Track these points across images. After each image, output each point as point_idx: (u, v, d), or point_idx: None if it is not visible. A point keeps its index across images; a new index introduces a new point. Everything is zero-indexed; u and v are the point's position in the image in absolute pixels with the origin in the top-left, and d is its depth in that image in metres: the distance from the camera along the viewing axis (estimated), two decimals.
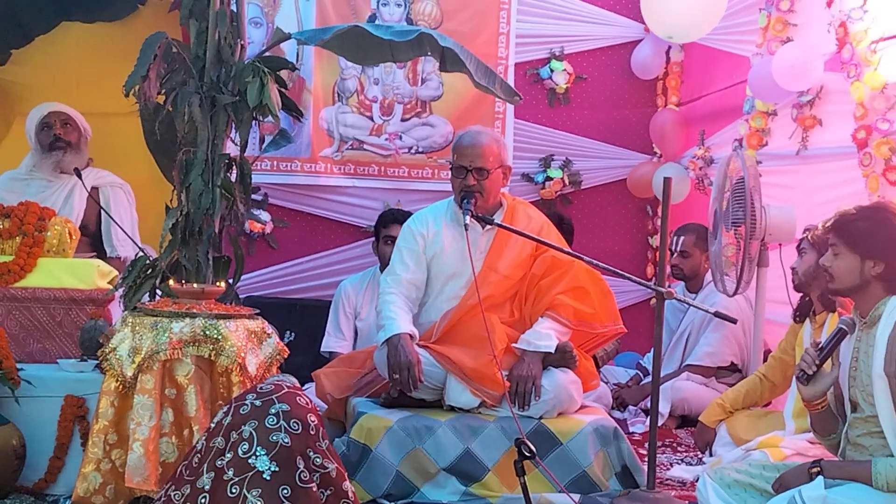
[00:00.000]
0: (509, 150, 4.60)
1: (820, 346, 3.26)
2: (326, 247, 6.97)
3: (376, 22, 6.76)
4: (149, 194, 5.73)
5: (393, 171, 6.94)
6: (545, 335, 4.33)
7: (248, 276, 6.65)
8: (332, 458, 3.09)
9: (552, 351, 4.33)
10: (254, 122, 4.20)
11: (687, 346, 6.02)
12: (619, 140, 7.30)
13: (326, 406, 4.65)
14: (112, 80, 4.46)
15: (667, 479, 4.53)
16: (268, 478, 2.93)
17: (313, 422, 3.07)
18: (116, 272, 4.65)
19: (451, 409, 4.30)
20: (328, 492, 3.03)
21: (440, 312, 4.46)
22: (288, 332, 6.19)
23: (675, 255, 6.03)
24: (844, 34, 4.74)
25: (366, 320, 5.73)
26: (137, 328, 3.75)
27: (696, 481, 3.59)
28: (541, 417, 4.25)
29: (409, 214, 4.95)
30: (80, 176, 5.34)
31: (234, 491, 2.90)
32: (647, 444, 4.11)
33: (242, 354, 3.72)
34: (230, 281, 4.24)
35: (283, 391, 3.10)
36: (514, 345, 4.34)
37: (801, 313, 4.49)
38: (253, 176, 4.35)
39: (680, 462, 4.89)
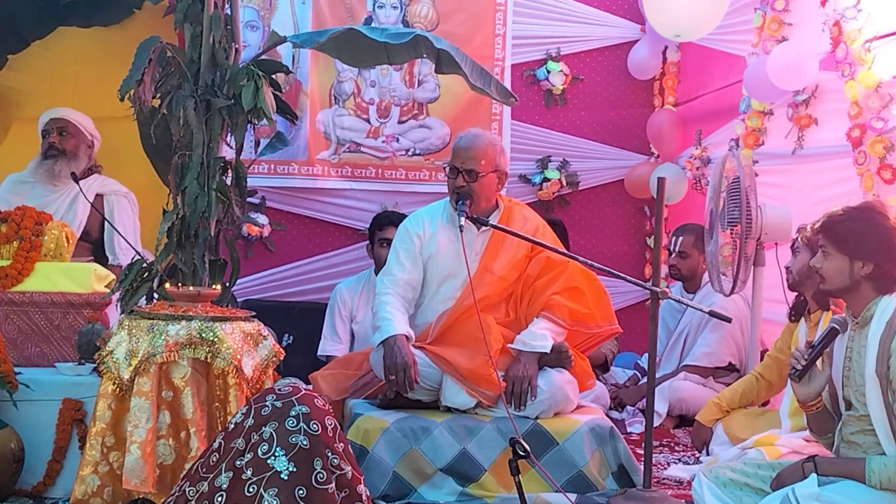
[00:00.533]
0: (506, 151, 4.58)
1: (809, 344, 3.27)
2: (324, 249, 6.98)
3: (372, 24, 6.77)
4: (146, 198, 5.74)
5: (390, 173, 6.95)
6: (541, 335, 4.34)
7: (247, 279, 6.68)
8: (349, 461, 3.10)
9: (548, 351, 4.34)
10: (249, 125, 4.21)
11: (685, 346, 6.03)
12: (616, 141, 7.30)
13: None
14: (108, 85, 4.48)
15: (664, 479, 4.55)
16: (285, 478, 2.94)
17: (331, 424, 3.09)
18: (113, 276, 4.66)
19: (448, 409, 4.32)
20: (342, 493, 3.04)
21: (436, 313, 4.47)
22: (286, 335, 6.20)
23: (674, 255, 6.03)
24: (839, 33, 4.75)
25: (362, 323, 5.74)
26: (134, 331, 3.77)
27: (693, 480, 3.60)
28: (537, 417, 4.26)
29: (403, 217, 4.95)
30: (76, 181, 5.36)
31: (251, 490, 2.92)
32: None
33: (238, 357, 3.73)
34: (226, 284, 4.25)
35: (302, 393, 3.12)
36: (509, 345, 4.36)
37: (797, 312, 4.50)
38: (250, 179, 4.37)
39: (677, 461, 4.90)
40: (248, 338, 3.83)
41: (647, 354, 4.43)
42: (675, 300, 4.48)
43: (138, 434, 3.63)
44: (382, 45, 4.41)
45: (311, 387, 4.75)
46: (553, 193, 7.09)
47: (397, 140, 6.94)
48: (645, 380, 5.83)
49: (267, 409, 3.07)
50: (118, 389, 3.71)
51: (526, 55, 7.11)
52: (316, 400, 3.13)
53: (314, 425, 3.04)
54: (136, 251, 4.44)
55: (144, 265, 4.17)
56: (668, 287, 4.45)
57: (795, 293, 4.51)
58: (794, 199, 5.35)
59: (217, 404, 3.78)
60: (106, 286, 4.56)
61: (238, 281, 4.45)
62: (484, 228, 4.45)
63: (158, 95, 4.13)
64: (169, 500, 3.08)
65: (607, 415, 4.88)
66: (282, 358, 4.00)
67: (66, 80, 6.22)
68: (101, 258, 5.62)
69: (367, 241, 5.98)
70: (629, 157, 7.29)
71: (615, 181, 7.30)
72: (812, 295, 4.33)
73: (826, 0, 4.89)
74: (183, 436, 3.71)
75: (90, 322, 4.33)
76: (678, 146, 7.07)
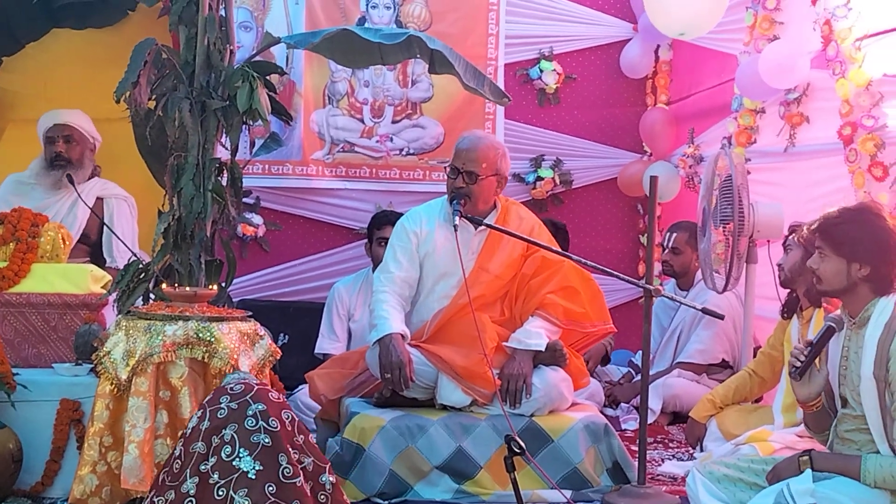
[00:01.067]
0: (507, 156, 4.59)
1: (809, 341, 3.28)
2: (319, 249, 7.00)
3: (366, 25, 6.78)
4: (141, 199, 5.75)
5: (384, 172, 6.97)
6: (535, 334, 4.36)
7: (242, 279, 6.69)
8: (309, 452, 3.13)
9: (543, 349, 4.36)
10: (244, 126, 4.23)
11: (678, 343, 6.05)
12: (609, 139, 7.32)
13: (320, 407, 4.69)
14: (103, 86, 4.48)
15: (658, 475, 4.57)
16: (253, 477, 2.96)
17: (288, 418, 3.12)
18: (109, 277, 4.67)
19: (444, 407, 4.33)
20: (308, 485, 3.07)
21: (431, 312, 4.49)
22: (282, 334, 6.21)
23: (667, 251, 6.06)
24: (829, 32, 4.77)
25: (359, 322, 5.75)
26: (131, 332, 3.78)
27: (687, 476, 3.62)
28: (532, 415, 4.28)
29: (401, 216, 4.97)
30: (72, 183, 5.37)
31: (220, 493, 2.94)
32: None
33: (235, 356, 3.75)
34: (222, 284, 4.27)
35: (255, 389, 3.14)
36: (504, 343, 4.38)
37: (789, 309, 4.53)
38: (245, 179, 4.38)
39: (671, 458, 4.93)
40: (245, 337, 3.85)
41: (640, 352, 4.46)
42: (668, 298, 4.51)
43: (136, 434, 3.64)
44: (376, 46, 4.42)
45: (305, 386, 4.82)
46: (547, 192, 7.11)
47: (391, 140, 6.96)
48: (639, 377, 5.85)
49: (223, 411, 3.09)
50: (116, 389, 3.72)
51: (519, 54, 7.13)
52: (270, 394, 3.15)
53: (273, 422, 3.06)
54: (134, 254, 4.46)
55: (141, 266, 4.18)
56: (661, 285, 4.48)
57: (788, 290, 4.54)
58: (786, 196, 5.38)
59: None
60: (102, 287, 4.58)
61: (233, 281, 4.47)
62: (481, 228, 4.47)
63: (154, 97, 4.14)
64: None
65: (602, 412, 4.89)
66: (278, 357, 4.01)
67: (60, 82, 6.21)
68: (98, 260, 5.63)
69: (364, 241, 5.99)
70: (622, 155, 7.31)
71: (608, 179, 7.32)
72: (804, 292, 4.35)
73: None
74: (180, 435, 3.72)
75: (87, 323, 4.34)
76: (671, 144, 7.10)
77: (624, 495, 4.04)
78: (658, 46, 7.21)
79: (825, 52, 4.82)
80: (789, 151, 5.39)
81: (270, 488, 2.95)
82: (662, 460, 4.85)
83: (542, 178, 7.07)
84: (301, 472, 3.04)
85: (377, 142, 6.95)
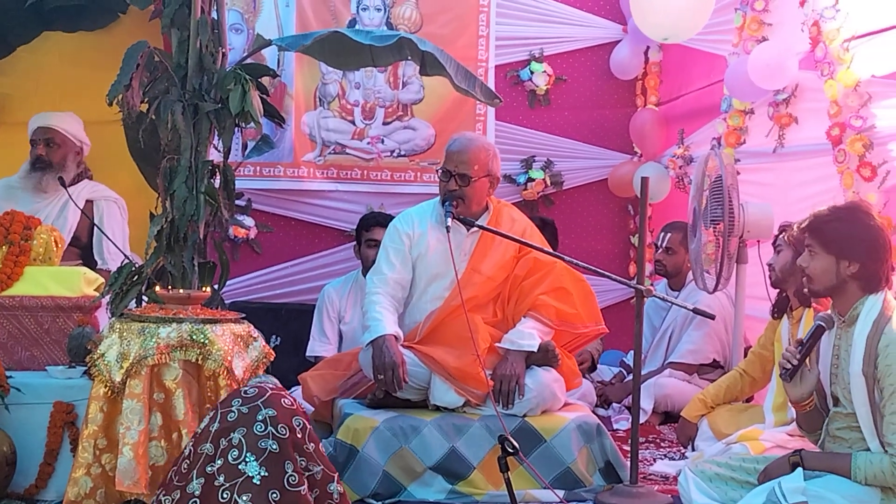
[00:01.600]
0: (498, 156, 4.61)
1: (800, 341, 3.31)
2: (310, 251, 7.00)
3: (356, 27, 6.78)
4: (132, 202, 5.74)
5: (375, 174, 6.97)
6: (528, 335, 4.38)
7: (233, 281, 6.68)
8: (318, 461, 3.12)
9: (535, 350, 4.38)
10: (236, 128, 4.23)
11: (670, 343, 6.07)
12: (599, 140, 7.34)
13: (313, 408, 4.70)
14: (94, 89, 4.49)
15: (650, 474, 4.59)
16: (257, 482, 2.97)
17: (299, 425, 3.11)
18: (102, 280, 4.67)
19: (437, 408, 4.35)
20: (314, 493, 3.07)
21: (424, 313, 4.51)
22: (273, 336, 6.20)
23: (660, 250, 6.07)
24: (818, 33, 4.80)
25: (350, 324, 5.76)
26: (125, 334, 3.78)
27: (679, 476, 3.64)
28: (525, 415, 4.30)
29: (391, 217, 4.98)
30: (64, 185, 5.37)
31: (224, 496, 2.94)
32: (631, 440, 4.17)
33: (229, 358, 3.75)
34: (215, 286, 4.28)
35: (268, 394, 3.13)
36: (497, 344, 4.39)
37: (779, 309, 4.55)
38: (236, 182, 4.39)
39: (663, 457, 4.94)
40: (239, 339, 3.86)
41: (632, 352, 4.49)
42: (659, 298, 4.54)
43: (130, 436, 3.64)
44: (367, 48, 4.44)
45: (298, 388, 4.83)
46: (537, 193, 7.12)
47: (382, 141, 6.96)
48: (630, 377, 5.88)
49: (233, 414, 3.09)
50: (110, 392, 3.72)
51: (509, 56, 7.13)
52: (283, 400, 3.15)
53: (282, 429, 3.06)
54: (125, 255, 4.46)
55: (134, 269, 4.19)
56: (652, 285, 4.51)
57: (778, 290, 4.56)
58: (776, 196, 5.41)
59: (208, 406, 3.79)
60: (95, 290, 4.58)
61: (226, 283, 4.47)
62: (473, 229, 4.49)
63: (146, 100, 4.15)
64: None
65: (594, 412, 4.92)
66: (272, 359, 4.02)
67: (51, 85, 6.22)
68: (89, 262, 5.62)
69: (354, 242, 6.00)
70: (612, 156, 7.32)
71: (599, 180, 7.34)
72: (794, 292, 4.38)
73: (805, 0, 4.94)
74: (175, 437, 3.72)
75: (80, 325, 4.34)
76: (661, 145, 7.12)
77: (616, 495, 4.06)
78: (648, 48, 7.23)
79: (814, 54, 4.85)
80: (778, 152, 5.42)
81: (274, 495, 2.96)
82: (654, 460, 4.87)
83: (533, 180, 7.08)
84: (307, 480, 3.04)
85: (368, 143, 6.95)
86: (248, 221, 6.83)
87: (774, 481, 3.19)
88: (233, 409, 3.10)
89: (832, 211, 3.31)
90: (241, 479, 2.96)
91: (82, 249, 5.68)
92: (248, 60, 4.44)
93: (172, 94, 4.11)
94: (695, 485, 3.46)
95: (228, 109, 4.05)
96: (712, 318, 4.39)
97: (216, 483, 2.97)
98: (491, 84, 6.78)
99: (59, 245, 4.73)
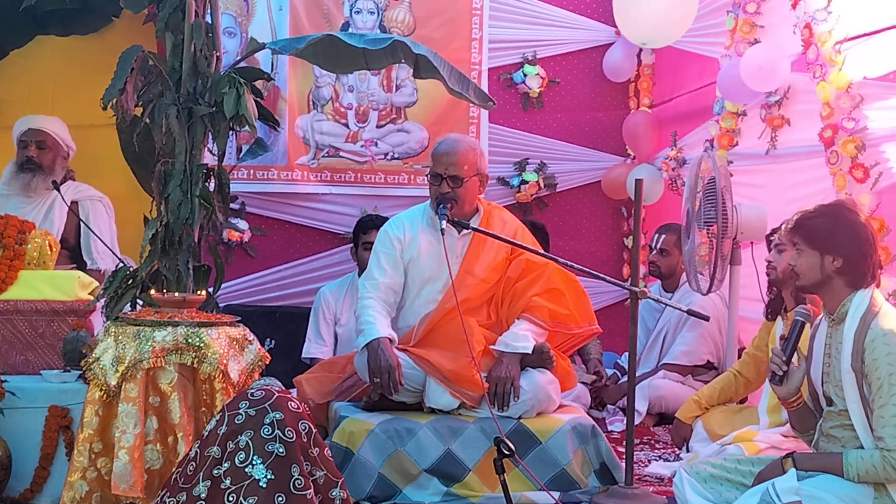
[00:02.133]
0: (484, 154, 4.63)
1: (784, 337, 3.33)
2: (304, 254, 7.00)
3: (350, 30, 6.80)
4: (126, 206, 5.74)
5: (369, 177, 6.98)
6: (522, 336, 4.38)
7: (228, 284, 6.67)
8: (322, 465, 3.13)
9: (529, 352, 4.38)
10: (230, 132, 4.24)
11: (664, 345, 6.08)
12: (592, 142, 7.35)
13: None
14: (88, 92, 4.50)
15: (645, 476, 4.59)
16: (264, 486, 2.98)
17: (304, 429, 3.12)
18: (97, 283, 4.68)
19: (432, 411, 4.35)
20: (319, 497, 3.08)
21: (418, 316, 4.50)
22: (268, 339, 6.20)
23: (655, 252, 6.08)
24: (809, 35, 4.81)
25: (346, 326, 5.77)
26: (120, 338, 3.79)
27: (674, 477, 3.65)
28: (520, 417, 4.30)
29: (386, 220, 4.98)
30: (58, 189, 5.37)
31: (231, 499, 2.95)
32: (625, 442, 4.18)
33: (225, 361, 3.76)
34: (210, 290, 4.28)
35: (275, 397, 3.14)
36: (491, 346, 4.39)
37: (773, 310, 4.55)
38: (230, 185, 4.39)
39: (658, 459, 4.95)
40: (234, 343, 3.86)
41: (626, 353, 4.50)
42: (653, 300, 4.54)
43: (126, 439, 3.65)
44: (360, 51, 4.45)
45: (293, 390, 4.83)
46: (531, 195, 7.13)
47: (376, 144, 6.97)
48: (625, 378, 5.89)
49: (241, 416, 3.09)
50: (105, 396, 3.73)
51: (502, 59, 7.15)
52: (290, 403, 3.15)
53: (289, 432, 3.07)
54: (114, 253, 4.46)
55: (128, 272, 4.19)
56: (646, 286, 4.51)
57: (771, 291, 4.57)
58: (769, 198, 5.42)
59: (204, 409, 3.80)
60: (90, 293, 4.58)
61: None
62: (465, 232, 4.49)
63: (141, 104, 4.15)
64: None
65: (588, 413, 4.92)
66: (267, 362, 4.03)
67: (44, 89, 6.22)
68: (78, 263, 5.63)
69: (350, 245, 6.00)
70: (606, 158, 7.34)
71: (592, 182, 7.34)
72: (791, 291, 4.38)
73: (797, 2, 4.96)
74: (170, 441, 3.73)
75: (75, 329, 4.34)
76: (654, 147, 7.13)
77: (611, 496, 4.07)
78: (640, 50, 7.23)
79: (805, 56, 4.86)
80: (771, 154, 5.43)
81: (280, 498, 2.96)
82: (649, 461, 4.88)
83: (527, 182, 7.09)
84: (312, 484, 3.05)
85: (362, 146, 6.96)
86: (243, 225, 6.83)
87: (768, 482, 3.20)
88: (240, 411, 3.11)
89: (817, 208, 3.36)
90: (247, 483, 2.97)
91: (71, 251, 5.68)
92: (242, 64, 4.45)
93: (167, 98, 4.12)
94: (690, 486, 3.46)
95: (223, 113, 4.06)
96: (706, 319, 4.40)
97: (222, 486, 2.98)
98: (484, 87, 6.80)
99: (54, 249, 4.73)
